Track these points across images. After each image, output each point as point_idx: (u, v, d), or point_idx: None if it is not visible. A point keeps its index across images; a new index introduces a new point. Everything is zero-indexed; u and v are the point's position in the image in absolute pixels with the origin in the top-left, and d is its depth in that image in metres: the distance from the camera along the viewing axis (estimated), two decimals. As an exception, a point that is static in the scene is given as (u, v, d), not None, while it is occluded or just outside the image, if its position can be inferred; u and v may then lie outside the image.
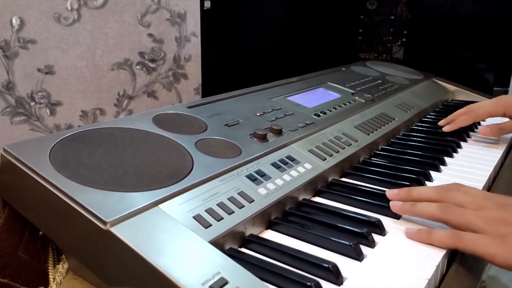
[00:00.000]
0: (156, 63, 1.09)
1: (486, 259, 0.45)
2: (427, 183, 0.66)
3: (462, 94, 1.20)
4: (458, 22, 1.28)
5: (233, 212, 0.49)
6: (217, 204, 0.48)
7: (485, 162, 0.74)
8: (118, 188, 0.46)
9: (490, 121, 0.93)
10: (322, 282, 0.42)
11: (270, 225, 0.53)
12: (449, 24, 1.30)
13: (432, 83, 1.22)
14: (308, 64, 1.18)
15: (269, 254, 0.47)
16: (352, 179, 0.67)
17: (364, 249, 0.48)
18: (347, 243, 0.47)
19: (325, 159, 0.65)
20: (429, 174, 0.67)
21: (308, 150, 0.65)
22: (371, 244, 0.49)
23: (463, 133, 0.88)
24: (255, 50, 1.24)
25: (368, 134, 0.78)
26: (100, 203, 0.43)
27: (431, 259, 0.47)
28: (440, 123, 0.92)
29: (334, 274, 0.43)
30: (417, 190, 0.54)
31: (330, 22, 1.40)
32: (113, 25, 0.99)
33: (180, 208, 0.46)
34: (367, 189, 0.62)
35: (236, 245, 0.48)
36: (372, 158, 0.76)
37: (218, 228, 0.46)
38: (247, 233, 0.50)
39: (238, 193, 0.51)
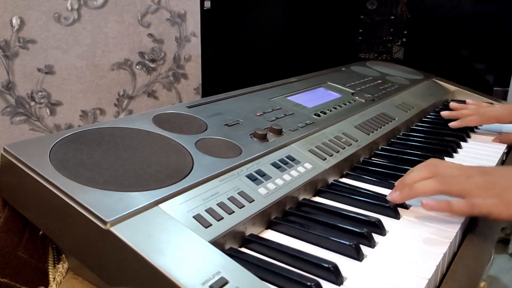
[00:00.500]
0: (156, 63, 1.09)
1: (492, 217, 0.53)
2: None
3: (462, 94, 1.20)
4: (458, 22, 1.28)
5: (233, 212, 0.49)
6: (217, 204, 0.48)
7: (485, 162, 0.74)
8: (118, 187, 0.46)
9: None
10: (322, 282, 0.42)
11: (270, 225, 0.53)
12: (449, 24, 1.30)
13: (432, 83, 1.22)
14: (308, 64, 1.18)
15: (269, 254, 0.47)
16: (352, 179, 0.67)
17: (364, 249, 0.48)
18: (347, 243, 0.47)
19: (325, 159, 0.65)
20: (429, 174, 0.67)
21: (308, 150, 0.65)
22: (371, 244, 0.49)
23: (464, 133, 0.88)
24: (255, 50, 1.24)
25: (368, 134, 0.78)
26: (100, 203, 0.43)
27: (431, 259, 0.47)
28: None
29: (334, 274, 0.43)
30: (408, 176, 0.59)
31: (330, 22, 1.40)
32: (113, 25, 0.99)
33: (180, 208, 0.46)
34: (367, 189, 0.63)
35: (236, 245, 0.48)
36: (372, 158, 0.76)
37: (218, 228, 0.46)
38: (247, 233, 0.50)
39: (238, 193, 0.51)
